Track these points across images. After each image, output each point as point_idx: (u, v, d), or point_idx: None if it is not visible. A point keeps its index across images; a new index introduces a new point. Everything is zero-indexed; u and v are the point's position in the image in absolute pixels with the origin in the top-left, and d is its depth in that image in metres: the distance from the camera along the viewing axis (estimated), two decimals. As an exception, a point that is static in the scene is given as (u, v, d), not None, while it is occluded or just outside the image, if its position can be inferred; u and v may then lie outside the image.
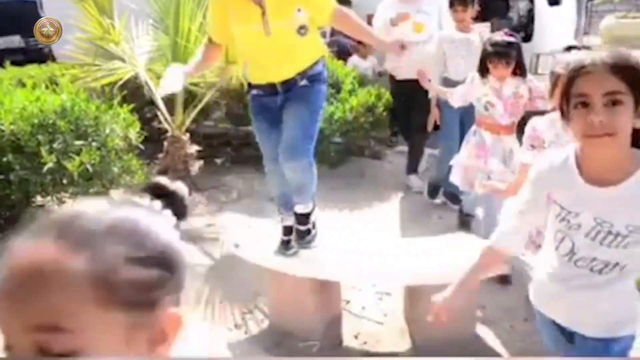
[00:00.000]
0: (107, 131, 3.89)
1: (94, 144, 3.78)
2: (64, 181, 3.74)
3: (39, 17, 9.17)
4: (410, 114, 4.82)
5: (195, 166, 4.73)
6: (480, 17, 4.58)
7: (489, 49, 3.35)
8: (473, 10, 4.29)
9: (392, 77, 5.04)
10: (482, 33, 4.32)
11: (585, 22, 10.93)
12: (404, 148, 5.83)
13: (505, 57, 3.31)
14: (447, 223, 4.27)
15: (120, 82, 4.59)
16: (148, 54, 4.70)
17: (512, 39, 3.33)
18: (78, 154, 3.63)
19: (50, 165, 3.57)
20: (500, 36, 3.37)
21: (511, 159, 3.44)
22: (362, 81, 5.41)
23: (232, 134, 5.67)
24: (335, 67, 5.27)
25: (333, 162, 5.14)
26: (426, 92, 4.23)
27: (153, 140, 4.92)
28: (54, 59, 7.98)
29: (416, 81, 3.77)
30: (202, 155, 5.07)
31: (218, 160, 5.56)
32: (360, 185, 5.17)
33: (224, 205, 4.69)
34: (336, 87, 5.12)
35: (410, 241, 3.55)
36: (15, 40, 10.26)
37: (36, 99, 3.97)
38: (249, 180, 5.12)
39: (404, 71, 4.70)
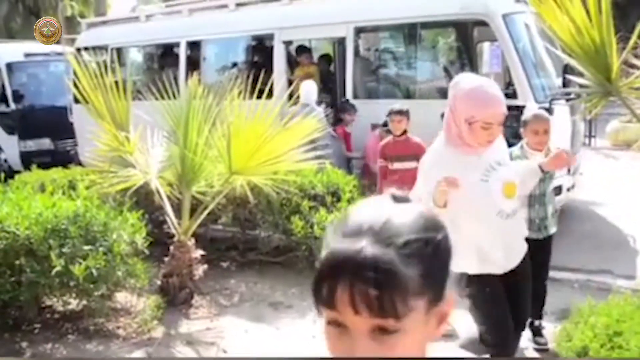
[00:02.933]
0: (115, 236, 4.14)
1: (101, 248, 4.02)
2: (71, 283, 3.95)
3: (69, 122, 9.81)
4: None
5: (200, 270, 4.91)
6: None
7: None
8: None
9: None
10: None
11: (592, 125, 11.24)
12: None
13: None
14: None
15: (134, 188, 4.91)
16: (160, 163, 5.03)
17: None
18: (85, 258, 3.85)
19: (58, 268, 3.80)
20: None
21: None
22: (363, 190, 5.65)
23: (238, 238, 5.89)
24: (336, 175, 5.53)
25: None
26: None
27: (162, 243, 5.17)
28: (79, 162, 8.46)
29: None
30: (208, 258, 5.27)
31: (223, 264, 5.74)
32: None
33: (224, 309, 4.83)
34: (336, 195, 5.35)
35: None
36: (45, 143, 10.85)
37: (52, 205, 4.28)
38: (251, 285, 5.27)
39: None
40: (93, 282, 3.93)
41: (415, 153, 4.68)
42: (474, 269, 2.73)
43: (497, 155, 2.88)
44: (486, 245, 2.84)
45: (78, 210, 4.22)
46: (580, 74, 3.54)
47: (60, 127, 9.78)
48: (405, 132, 5.28)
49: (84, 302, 4.23)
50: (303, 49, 8.37)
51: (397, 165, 5.19)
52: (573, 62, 3.46)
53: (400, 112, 5.30)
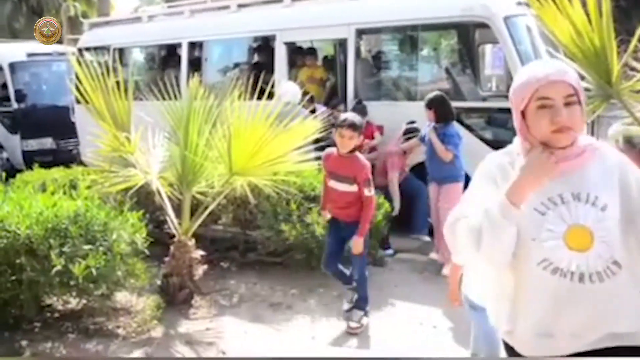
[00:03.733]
0: (115, 236, 4.15)
1: (101, 248, 4.03)
2: (71, 283, 3.96)
3: (71, 122, 9.85)
4: None
5: (200, 270, 4.91)
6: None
7: None
8: None
9: None
10: None
11: (594, 128, 11.22)
12: (406, 255, 5.99)
13: None
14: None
15: (135, 188, 4.92)
16: (161, 163, 5.04)
17: None
18: (85, 258, 3.86)
19: (58, 267, 3.81)
20: None
21: None
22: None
23: (239, 238, 5.89)
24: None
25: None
26: None
27: (163, 242, 5.17)
28: (80, 162, 8.48)
29: None
30: (208, 258, 5.28)
31: (223, 264, 5.75)
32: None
33: (224, 309, 4.83)
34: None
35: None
36: (47, 142, 10.89)
37: (53, 204, 4.29)
38: (251, 285, 5.28)
39: None
40: (93, 281, 3.94)
41: (354, 176, 4.23)
42: (503, 330, 1.88)
43: (587, 183, 1.77)
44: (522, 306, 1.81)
45: (78, 210, 4.23)
46: (581, 77, 3.55)
47: (62, 126, 9.81)
48: (354, 149, 4.31)
49: (84, 301, 4.25)
50: (309, 51, 8.39)
51: (332, 184, 4.43)
52: (574, 66, 3.47)
53: (353, 127, 4.21)
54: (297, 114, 4.94)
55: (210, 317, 4.68)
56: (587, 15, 3.22)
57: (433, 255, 5.68)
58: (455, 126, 5.58)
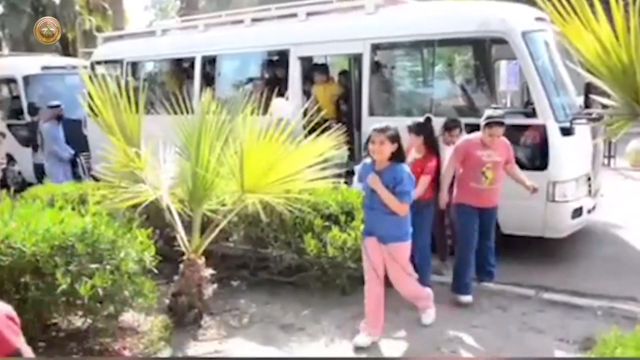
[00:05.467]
0: (122, 255, 4.04)
1: (108, 267, 3.92)
2: (77, 302, 3.85)
3: (84, 135, 9.82)
4: None
5: (209, 290, 4.79)
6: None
7: None
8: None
9: None
10: None
11: (611, 145, 11.05)
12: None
13: None
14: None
15: (145, 204, 4.81)
16: (172, 179, 4.94)
17: None
18: (91, 277, 3.75)
19: (63, 287, 3.70)
20: None
21: None
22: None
23: (249, 256, 5.76)
24: (350, 195, 5.41)
25: (345, 290, 5.16)
26: None
27: (173, 259, 5.05)
28: (92, 176, 8.43)
29: None
30: (219, 277, 5.17)
31: (234, 283, 5.63)
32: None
33: (234, 330, 4.70)
34: (350, 215, 5.23)
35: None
36: (60, 156, 10.78)
37: (60, 220, 4.19)
38: (262, 306, 5.15)
39: None
40: (99, 301, 3.83)
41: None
42: None
43: None
44: None
45: (86, 227, 4.12)
46: (605, 94, 3.42)
47: (75, 140, 9.76)
48: None
49: (90, 320, 4.13)
50: (323, 68, 8.30)
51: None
52: (598, 82, 3.34)
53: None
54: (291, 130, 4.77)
55: (219, 339, 4.55)
56: (614, 30, 3.10)
57: None
58: None
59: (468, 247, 5.13)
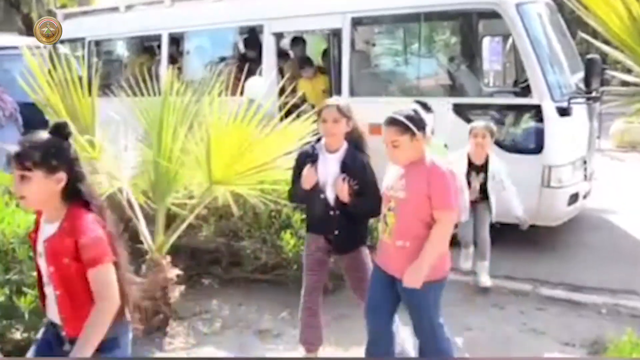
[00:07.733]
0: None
1: (55, 274, 3.38)
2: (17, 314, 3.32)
3: (45, 120, 9.13)
4: None
5: (176, 292, 4.29)
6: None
7: None
8: None
9: None
10: None
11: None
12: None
13: None
14: None
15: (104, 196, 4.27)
16: (133, 169, 4.41)
17: None
18: (33, 287, 3.22)
19: (1, 299, 3.17)
20: None
21: None
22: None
23: (222, 251, 5.25)
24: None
25: (328, 288, 4.70)
26: None
27: (140, 256, 4.53)
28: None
29: None
30: (188, 274, 4.68)
31: (205, 281, 5.13)
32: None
33: (204, 338, 4.22)
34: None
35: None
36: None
37: (1, 219, 3.65)
38: (235, 308, 4.67)
39: None
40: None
41: None
42: None
43: None
44: None
45: (31, 227, 3.58)
46: (628, 71, 2.99)
47: (33, 124, 9.08)
48: None
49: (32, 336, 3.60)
50: (307, 60, 7.76)
51: None
52: (621, 57, 2.89)
53: None
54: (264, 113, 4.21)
55: (187, 348, 4.07)
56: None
57: None
58: None
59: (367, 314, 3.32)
